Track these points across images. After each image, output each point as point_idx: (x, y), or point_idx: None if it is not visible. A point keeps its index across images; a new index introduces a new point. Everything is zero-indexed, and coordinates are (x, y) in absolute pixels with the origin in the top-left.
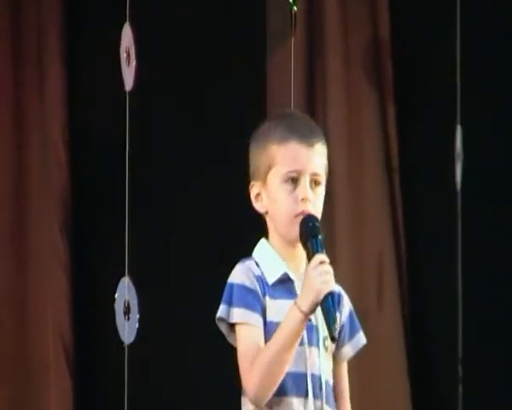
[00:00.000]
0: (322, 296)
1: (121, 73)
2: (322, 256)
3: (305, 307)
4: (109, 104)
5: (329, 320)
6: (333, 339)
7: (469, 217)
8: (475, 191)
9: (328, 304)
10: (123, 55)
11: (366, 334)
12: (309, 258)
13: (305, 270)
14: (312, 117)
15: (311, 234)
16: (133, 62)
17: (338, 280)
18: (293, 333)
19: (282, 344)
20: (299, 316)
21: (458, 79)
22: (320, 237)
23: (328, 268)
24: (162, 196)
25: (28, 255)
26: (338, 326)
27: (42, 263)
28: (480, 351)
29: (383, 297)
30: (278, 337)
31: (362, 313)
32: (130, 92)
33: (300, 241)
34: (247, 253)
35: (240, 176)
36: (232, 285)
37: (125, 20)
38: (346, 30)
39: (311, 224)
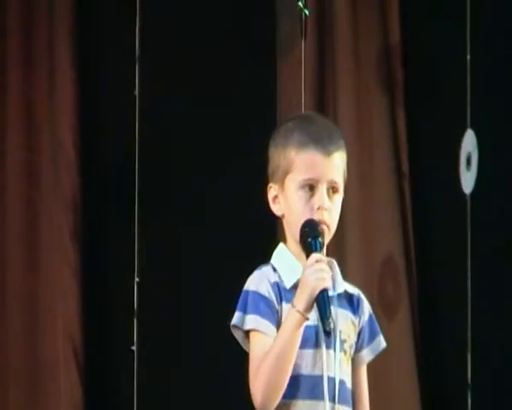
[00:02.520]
0: (316, 293)
1: (131, 76)
2: (318, 255)
3: (301, 305)
4: (119, 106)
5: (323, 313)
6: (327, 333)
7: (480, 222)
8: (486, 196)
9: (323, 298)
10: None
11: None
12: (307, 258)
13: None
14: None
15: (310, 235)
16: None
17: (348, 282)
18: (292, 334)
19: (283, 347)
20: (295, 315)
21: (468, 82)
22: (320, 239)
23: (324, 266)
24: (173, 199)
25: (38, 260)
26: (332, 321)
27: (52, 267)
28: (489, 353)
29: (392, 300)
30: (278, 340)
31: None
32: (139, 94)
33: (300, 242)
34: (264, 257)
35: (253, 179)
36: (247, 292)
37: (135, 24)
38: (356, 36)
39: (311, 227)
